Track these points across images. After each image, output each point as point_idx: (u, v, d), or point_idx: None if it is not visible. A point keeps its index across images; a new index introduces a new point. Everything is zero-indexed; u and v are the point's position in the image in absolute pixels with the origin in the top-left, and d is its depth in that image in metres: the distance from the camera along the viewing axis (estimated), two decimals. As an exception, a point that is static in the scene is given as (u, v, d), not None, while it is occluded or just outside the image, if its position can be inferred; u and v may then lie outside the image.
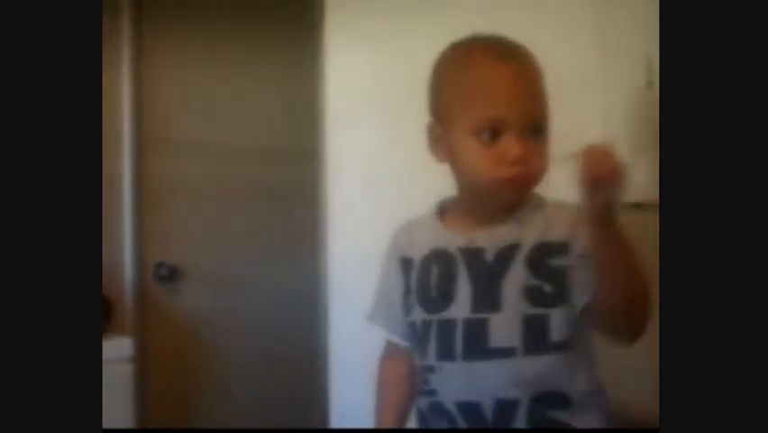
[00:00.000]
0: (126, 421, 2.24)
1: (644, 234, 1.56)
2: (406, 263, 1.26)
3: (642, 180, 1.58)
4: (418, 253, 1.24)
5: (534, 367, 1.11)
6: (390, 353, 1.34)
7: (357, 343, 1.99)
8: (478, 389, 1.13)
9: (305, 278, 2.51)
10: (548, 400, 1.11)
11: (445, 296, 1.18)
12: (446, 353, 1.16)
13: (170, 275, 2.58)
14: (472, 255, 1.16)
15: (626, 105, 1.64)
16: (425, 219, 1.28)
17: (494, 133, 1.12)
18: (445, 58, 1.22)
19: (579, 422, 1.12)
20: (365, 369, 1.97)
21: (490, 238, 1.16)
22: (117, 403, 2.19)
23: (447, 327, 1.16)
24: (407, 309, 1.24)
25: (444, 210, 1.27)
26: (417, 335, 1.22)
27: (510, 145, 1.11)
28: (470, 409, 1.14)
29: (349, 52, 2.00)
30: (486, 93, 1.13)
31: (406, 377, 1.29)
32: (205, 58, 2.64)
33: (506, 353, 1.11)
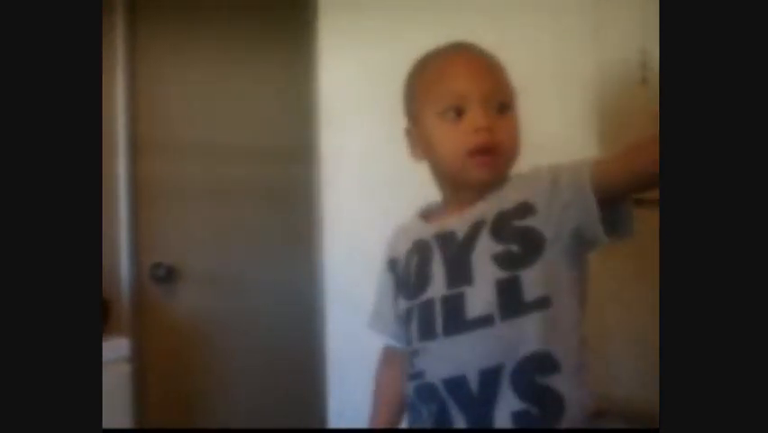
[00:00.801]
0: (124, 422, 2.24)
1: (642, 229, 1.56)
2: (393, 264, 1.32)
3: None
4: (403, 250, 1.29)
5: (513, 329, 1.12)
6: (387, 357, 1.39)
7: (354, 342, 1.99)
8: (461, 362, 1.15)
9: (302, 278, 2.51)
10: (533, 362, 1.12)
11: (422, 280, 1.22)
12: (428, 332, 1.19)
13: (167, 276, 2.58)
14: (444, 239, 1.21)
15: (621, 102, 1.64)
16: (410, 221, 1.34)
17: (458, 110, 1.19)
18: (414, 65, 1.31)
19: (567, 385, 1.13)
20: (362, 368, 1.98)
21: (460, 220, 1.20)
22: (115, 404, 2.19)
23: (426, 307, 1.20)
24: (396, 305, 1.29)
25: (427, 211, 1.34)
26: (402, 324, 1.26)
27: (474, 116, 1.17)
28: (455, 383, 1.15)
29: (343, 52, 2.00)
30: (447, 73, 1.22)
31: (400, 380, 1.31)
32: (200, 58, 2.63)
33: (484, 321, 1.14)
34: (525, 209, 1.16)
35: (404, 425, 1.33)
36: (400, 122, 1.91)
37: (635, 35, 1.58)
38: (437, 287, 1.19)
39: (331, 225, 2.06)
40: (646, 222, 1.53)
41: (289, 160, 2.60)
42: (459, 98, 1.19)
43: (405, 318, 1.25)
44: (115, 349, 2.23)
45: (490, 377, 1.12)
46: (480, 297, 1.14)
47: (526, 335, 1.12)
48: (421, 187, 1.84)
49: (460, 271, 1.17)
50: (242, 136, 2.67)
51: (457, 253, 1.18)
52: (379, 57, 1.92)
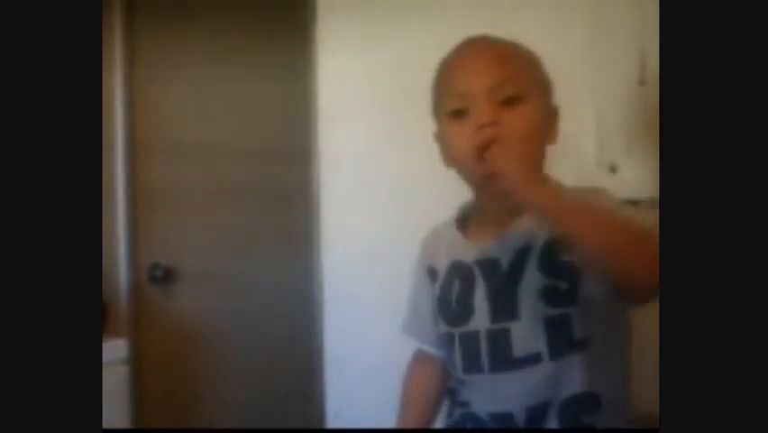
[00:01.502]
0: (122, 423, 2.23)
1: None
2: (432, 274, 1.26)
3: (635, 177, 1.59)
4: (442, 264, 1.24)
5: (562, 369, 1.10)
6: (420, 360, 1.33)
7: (352, 343, 2.00)
8: (508, 399, 1.13)
9: (300, 279, 2.51)
10: (578, 402, 1.10)
11: (465, 309, 1.17)
12: (473, 365, 1.16)
13: (165, 276, 2.58)
14: (488, 267, 1.16)
15: (620, 103, 1.64)
16: (447, 228, 1.27)
17: (463, 109, 1.13)
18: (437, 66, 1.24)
19: (607, 421, 1.11)
20: (360, 369, 1.98)
21: (503, 245, 1.15)
22: (112, 405, 2.18)
23: (470, 339, 1.16)
24: (436, 320, 1.25)
25: (464, 217, 1.27)
26: (444, 346, 1.23)
27: (477, 112, 1.11)
28: (502, 419, 1.13)
29: (342, 52, 2.00)
30: (452, 73, 1.17)
31: (433, 386, 1.29)
32: (198, 59, 2.63)
33: (532, 360, 1.11)
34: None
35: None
36: (399, 122, 1.92)
37: (633, 36, 1.59)
38: (481, 319, 1.15)
39: (329, 226, 2.06)
40: (642, 222, 1.53)
41: (288, 161, 2.60)
42: (463, 98, 1.13)
43: (447, 342, 1.22)
44: (113, 350, 2.23)
45: (537, 413, 1.11)
46: (528, 334, 1.11)
47: (573, 374, 1.10)
48: (421, 187, 1.85)
49: (505, 305, 1.13)
50: (240, 138, 2.66)
51: (502, 285, 1.14)
52: (377, 58, 1.92)
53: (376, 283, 1.95)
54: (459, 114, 1.13)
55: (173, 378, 2.60)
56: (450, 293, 1.21)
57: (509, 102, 1.11)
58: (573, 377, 1.10)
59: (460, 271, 1.20)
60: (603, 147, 1.64)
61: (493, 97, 1.10)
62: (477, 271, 1.17)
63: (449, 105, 1.15)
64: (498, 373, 1.13)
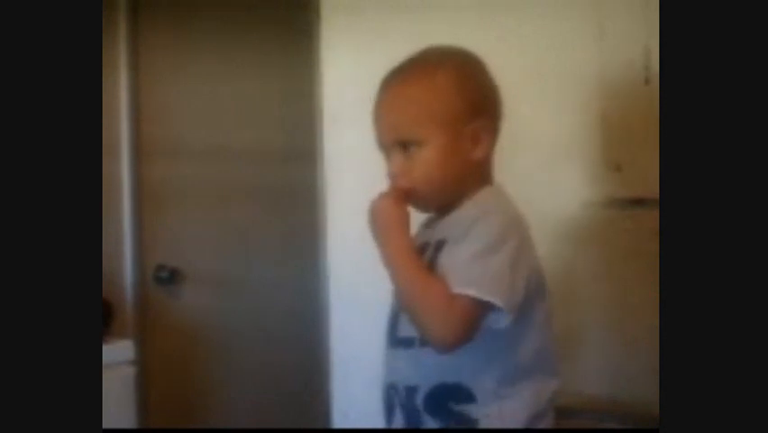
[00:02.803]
0: (128, 424, 2.24)
1: (642, 229, 1.56)
2: None
3: (640, 176, 1.59)
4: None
5: (430, 358, 1.16)
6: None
7: (358, 343, 2.00)
8: (393, 373, 1.24)
9: (305, 278, 2.51)
10: (447, 390, 1.16)
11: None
12: (386, 338, 1.28)
13: (171, 277, 2.58)
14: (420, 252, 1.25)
15: (624, 102, 1.64)
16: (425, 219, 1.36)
17: (384, 150, 1.25)
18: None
19: (483, 412, 1.15)
20: (367, 369, 1.98)
21: (417, 237, 1.26)
22: (119, 406, 2.18)
23: (390, 316, 1.28)
24: None
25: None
26: None
27: (389, 163, 1.24)
28: (392, 389, 1.24)
29: (345, 52, 2.00)
30: (373, 117, 1.27)
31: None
32: (202, 60, 2.63)
33: (407, 342, 1.21)
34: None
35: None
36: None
37: (638, 36, 1.59)
38: (394, 301, 1.27)
39: (334, 226, 2.06)
40: (646, 222, 1.53)
41: (292, 161, 2.60)
42: (380, 142, 1.26)
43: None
44: (119, 352, 2.23)
45: (411, 395, 1.19)
46: (407, 318, 1.19)
47: (439, 363, 1.16)
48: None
49: None
50: (244, 138, 2.67)
51: None
52: (381, 57, 1.92)
53: (381, 282, 1.95)
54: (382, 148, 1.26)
55: (179, 379, 2.60)
56: None
57: (406, 148, 1.21)
58: (440, 367, 1.16)
59: None
60: (608, 146, 1.64)
61: (395, 146, 1.22)
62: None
63: (377, 141, 1.26)
64: (390, 349, 1.26)
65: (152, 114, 2.58)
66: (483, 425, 1.15)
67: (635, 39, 1.59)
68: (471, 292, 1.08)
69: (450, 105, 1.21)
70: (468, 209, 1.21)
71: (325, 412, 2.09)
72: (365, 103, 1.99)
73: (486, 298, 1.08)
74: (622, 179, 1.62)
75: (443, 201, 1.24)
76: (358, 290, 2.00)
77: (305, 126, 2.35)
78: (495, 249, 1.12)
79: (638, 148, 1.60)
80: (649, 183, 1.55)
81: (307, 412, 2.47)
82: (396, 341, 1.24)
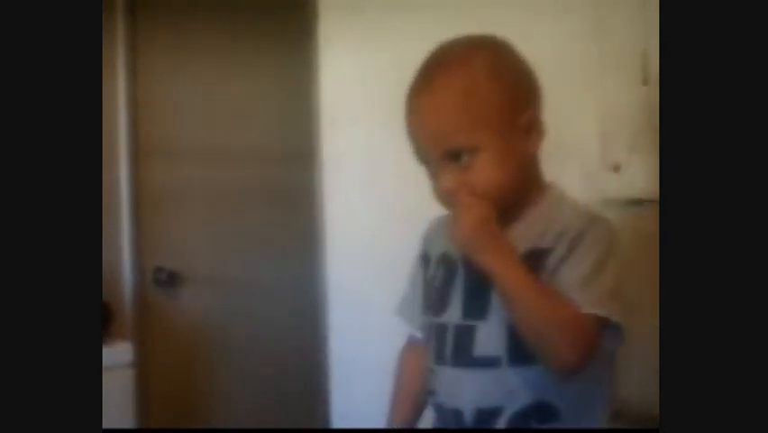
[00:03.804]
0: (128, 426, 2.23)
1: (641, 229, 1.56)
2: (425, 260, 1.26)
3: (639, 177, 1.59)
4: (435, 252, 1.23)
5: (519, 378, 1.08)
6: (409, 349, 1.31)
7: (358, 344, 2.00)
8: (461, 396, 1.13)
9: (305, 280, 2.51)
10: (535, 410, 1.09)
11: (442, 302, 1.17)
12: (439, 357, 1.16)
13: (170, 280, 2.58)
14: (470, 263, 1.13)
15: (623, 103, 1.64)
16: (447, 219, 1.23)
17: (429, 165, 1.12)
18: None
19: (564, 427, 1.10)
20: (366, 370, 1.98)
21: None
22: (119, 409, 2.18)
23: (441, 330, 1.16)
24: (423, 308, 1.25)
25: None
26: (425, 333, 1.23)
27: (440, 179, 1.10)
28: (454, 415, 1.13)
29: (344, 52, 2.00)
30: (409, 131, 1.13)
31: (422, 369, 1.25)
32: (201, 61, 2.63)
33: (490, 362, 1.10)
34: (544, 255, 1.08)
35: (422, 423, 1.31)
36: (402, 123, 1.92)
37: (636, 37, 1.59)
38: (454, 313, 1.15)
39: (334, 227, 2.06)
40: (646, 222, 1.53)
41: (292, 162, 2.60)
42: (424, 157, 1.12)
43: (427, 330, 1.22)
44: (119, 354, 2.23)
45: (486, 417, 1.10)
46: (492, 335, 1.10)
47: (529, 384, 1.08)
48: (425, 187, 1.84)
49: (476, 303, 1.12)
50: (243, 139, 2.67)
51: (478, 284, 1.11)
52: (380, 58, 1.92)
53: (380, 283, 1.95)
54: (423, 161, 1.13)
55: (178, 381, 2.60)
56: (434, 282, 1.21)
57: (457, 158, 1.08)
58: (529, 387, 1.08)
59: (446, 263, 1.20)
60: (607, 147, 1.64)
61: (445, 158, 1.08)
62: (460, 266, 1.16)
63: (417, 156, 1.13)
64: (457, 369, 1.13)
65: (151, 115, 2.58)
66: None
67: (634, 39, 1.59)
68: (600, 312, 1.00)
69: (493, 102, 1.09)
70: (553, 214, 1.11)
71: (325, 412, 2.09)
72: (364, 103, 2.00)
73: (613, 318, 1.01)
74: (621, 180, 1.63)
75: (507, 205, 1.10)
76: (357, 291, 2.00)
77: (304, 127, 2.35)
78: (605, 266, 1.04)
79: (637, 149, 1.60)
80: (648, 184, 1.56)
81: (307, 412, 2.48)
82: (470, 361, 1.11)
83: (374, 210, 1.96)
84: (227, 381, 2.65)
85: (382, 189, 1.95)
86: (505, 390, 1.09)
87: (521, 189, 1.12)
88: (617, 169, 1.64)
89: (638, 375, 1.48)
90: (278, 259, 2.70)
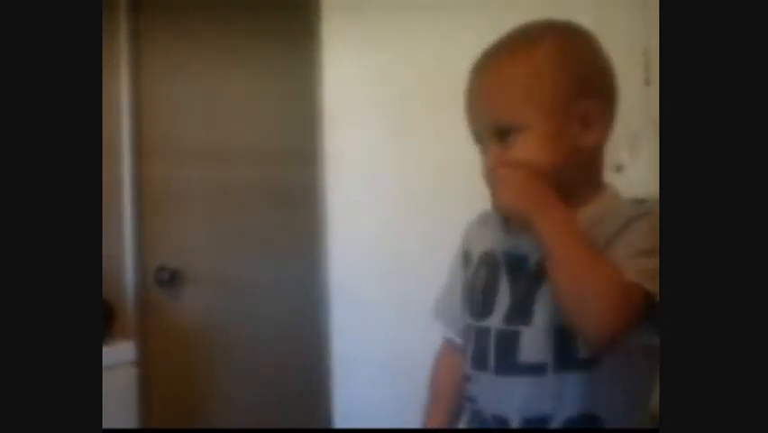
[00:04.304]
0: (130, 424, 2.24)
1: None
2: (467, 259, 1.21)
3: (641, 176, 1.59)
4: (477, 250, 1.18)
5: (565, 385, 1.04)
6: (447, 352, 1.26)
7: (359, 343, 2.00)
8: (507, 403, 1.08)
9: (306, 279, 2.51)
10: (579, 423, 1.04)
11: (485, 303, 1.13)
12: (480, 363, 1.11)
13: (172, 279, 2.58)
14: (515, 262, 1.10)
15: (625, 103, 1.64)
16: (491, 215, 1.19)
17: (479, 141, 1.09)
18: None
19: None
20: (367, 370, 1.98)
21: (534, 244, 1.06)
22: (121, 407, 2.19)
23: (482, 335, 1.12)
24: (463, 309, 1.20)
25: None
26: (464, 337, 1.19)
27: (486, 151, 1.08)
28: (501, 423, 1.09)
29: (346, 53, 2.00)
30: (467, 98, 1.11)
31: (458, 377, 1.20)
32: (204, 60, 2.63)
33: (536, 369, 1.06)
34: None
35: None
36: (404, 122, 1.92)
37: (637, 37, 1.59)
38: (497, 318, 1.10)
39: (336, 227, 2.06)
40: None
41: (293, 162, 2.60)
42: (474, 132, 1.09)
43: (466, 333, 1.17)
44: (121, 353, 2.23)
45: (534, 426, 1.06)
46: (538, 341, 1.05)
47: (575, 392, 1.04)
48: (427, 186, 1.85)
49: (522, 307, 1.08)
50: (245, 139, 2.67)
51: (525, 286, 1.08)
52: (382, 58, 1.93)
53: (382, 283, 1.95)
54: (475, 137, 1.10)
55: (181, 380, 2.60)
56: (475, 283, 1.15)
57: (504, 136, 1.06)
58: (576, 396, 1.04)
59: (488, 262, 1.14)
60: (608, 147, 1.64)
61: (493, 136, 1.07)
62: (504, 266, 1.12)
63: (469, 126, 1.11)
64: (501, 376, 1.09)
65: (153, 114, 2.58)
66: None
67: (634, 39, 1.59)
68: (647, 285, 0.93)
69: (552, 83, 1.05)
70: (605, 216, 1.06)
71: (326, 412, 2.09)
72: (365, 103, 2.00)
73: (657, 297, 0.93)
74: (622, 180, 1.63)
75: (520, 221, 1.05)
76: (358, 290, 2.00)
77: (305, 126, 2.36)
78: (656, 251, 0.95)
79: (639, 149, 1.60)
80: (650, 184, 1.56)
81: (308, 412, 2.48)
82: (515, 368, 1.07)
83: (375, 210, 1.96)
84: (228, 380, 2.65)
85: (383, 189, 1.95)
86: (551, 398, 1.05)
87: (571, 181, 1.05)
88: (619, 169, 1.63)
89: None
90: (280, 258, 2.70)
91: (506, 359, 1.08)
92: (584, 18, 1.65)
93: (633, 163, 1.61)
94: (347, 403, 2.03)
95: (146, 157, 2.56)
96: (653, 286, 0.93)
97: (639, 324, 0.95)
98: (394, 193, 1.92)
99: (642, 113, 1.60)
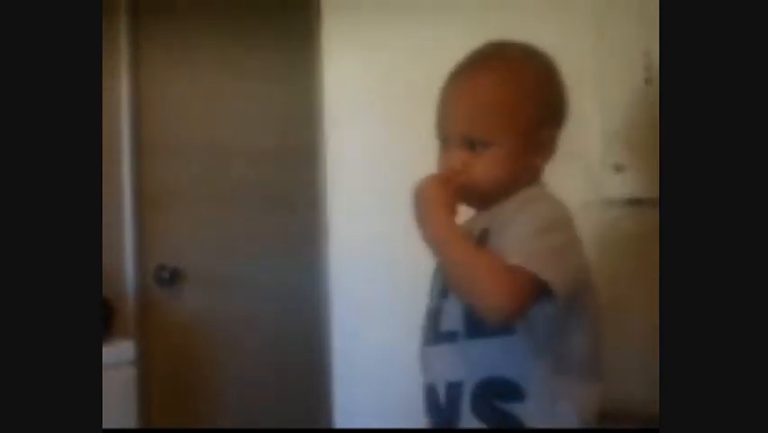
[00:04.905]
0: (129, 424, 2.24)
1: (642, 228, 1.56)
2: None
3: (641, 176, 1.59)
4: None
5: (476, 350, 1.14)
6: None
7: (359, 343, 2.00)
8: (434, 371, 1.21)
9: (306, 279, 2.51)
10: (494, 386, 1.13)
11: (434, 286, 1.27)
12: (423, 337, 1.25)
13: (172, 278, 2.58)
14: None
15: (624, 103, 1.64)
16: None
17: (445, 142, 1.22)
18: None
19: (532, 414, 1.11)
20: (368, 369, 1.98)
21: (466, 226, 1.22)
22: (120, 407, 2.19)
23: (428, 313, 1.26)
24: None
25: None
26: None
27: (449, 155, 1.20)
28: (429, 389, 1.21)
29: (346, 52, 2.00)
30: (440, 106, 1.23)
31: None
32: (204, 60, 2.63)
33: (450, 337, 1.18)
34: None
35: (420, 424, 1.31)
36: (404, 123, 1.92)
37: (638, 36, 1.59)
38: (434, 297, 1.26)
39: (335, 227, 2.06)
40: (647, 223, 1.53)
41: (294, 161, 2.60)
42: (442, 133, 1.22)
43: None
44: (120, 352, 2.23)
45: (454, 390, 1.16)
46: (452, 312, 1.17)
47: (489, 357, 1.14)
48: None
49: (442, 284, 1.22)
50: (246, 138, 2.67)
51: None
52: (383, 58, 1.93)
53: (382, 283, 1.95)
54: (440, 142, 1.23)
55: (180, 379, 2.60)
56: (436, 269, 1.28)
57: (473, 147, 1.18)
58: (485, 360, 1.14)
59: None
60: (608, 146, 1.64)
61: (462, 142, 1.18)
62: None
63: (436, 131, 1.23)
64: (429, 346, 1.23)
65: (154, 114, 2.58)
66: (532, 426, 1.11)
67: (634, 39, 1.59)
68: (529, 267, 1.04)
69: (533, 110, 1.19)
70: (512, 202, 1.18)
71: (327, 412, 2.09)
72: (366, 103, 2.00)
73: (542, 276, 1.04)
74: (622, 180, 1.63)
75: (494, 199, 1.20)
76: (358, 290, 2.00)
77: (305, 126, 2.36)
78: (549, 232, 1.10)
79: (638, 148, 1.60)
80: (650, 183, 1.56)
81: (308, 412, 2.48)
82: (437, 336, 1.20)
83: (375, 209, 1.96)
84: (228, 379, 2.66)
85: (384, 189, 1.95)
86: (464, 363, 1.16)
87: (512, 187, 1.19)
88: (618, 169, 1.63)
89: (638, 375, 1.48)
90: (280, 258, 2.70)
91: (433, 330, 1.22)
92: (584, 18, 1.65)
93: (633, 163, 1.61)
94: (347, 403, 2.03)
95: (146, 156, 2.56)
96: (536, 266, 1.05)
97: (531, 300, 1.06)
98: (394, 193, 1.92)
99: (642, 112, 1.60)
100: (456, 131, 1.19)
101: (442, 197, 1.15)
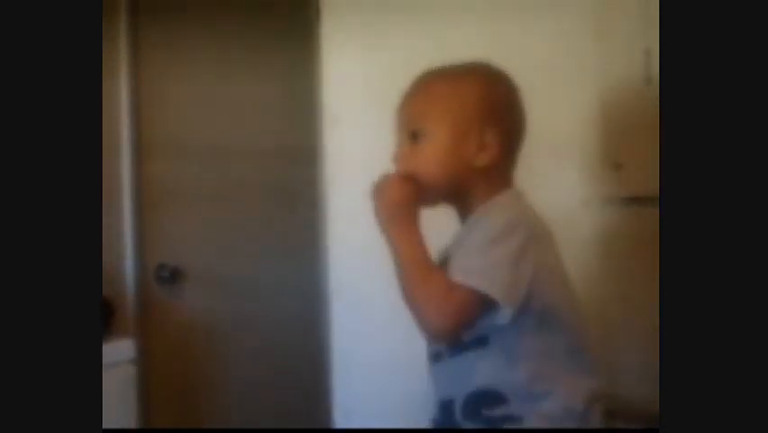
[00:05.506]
0: (129, 423, 2.24)
1: (641, 226, 1.57)
2: None
3: (640, 175, 1.59)
4: None
5: (459, 367, 1.18)
6: None
7: (360, 342, 2.00)
8: (432, 390, 1.26)
9: (306, 278, 2.51)
10: (480, 397, 1.17)
11: None
12: (426, 355, 1.29)
13: (172, 277, 2.58)
14: (439, 257, 1.26)
15: (625, 101, 1.64)
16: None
17: (398, 137, 1.29)
18: None
19: (518, 415, 1.15)
20: (367, 369, 1.98)
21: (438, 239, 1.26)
22: (120, 405, 2.19)
23: None
24: None
25: None
26: None
27: (398, 148, 1.28)
28: (436, 406, 1.25)
29: (346, 51, 2.00)
30: (397, 112, 1.31)
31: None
32: (204, 59, 2.63)
33: (437, 356, 1.23)
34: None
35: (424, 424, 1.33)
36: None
37: (638, 36, 1.59)
38: None
39: (335, 226, 2.06)
40: (646, 221, 1.54)
41: (293, 160, 2.60)
42: (397, 131, 1.29)
43: None
44: (120, 351, 2.23)
45: (446, 407, 1.22)
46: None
47: (470, 371, 1.17)
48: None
49: None
50: (245, 137, 2.67)
51: None
52: (382, 57, 1.93)
53: (382, 283, 1.95)
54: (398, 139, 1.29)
55: (180, 378, 2.60)
56: None
57: (413, 137, 1.25)
58: (470, 375, 1.18)
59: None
60: (608, 145, 1.64)
61: (403, 131, 1.27)
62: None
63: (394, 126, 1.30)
64: (430, 365, 1.27)
65: (153, 113, 2.58)
66: (522, 425, 1.15)
67: (635, 39, 1.59)
68: (470, 283, 1.09)
69: (465, 108, 1.23)
70: (476, 213, 1.22)
71: (326, 412, 2.09)
72: (366, 102, 2.00)
73: (484, 290, 1.08)
74: (622, 178, 1.63)
75: (447, 198, 1.26)
76: (358, 290, 2.00)
77: (305, 126, 2.36)
78: (496, 243, 1.12)
79: (638, 147, 1.60)
80: (649, 182, 1.56)
81: (308, 412, 2.48)
82: (430, 356, 1.26)
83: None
84: (229, 378, 2.66)
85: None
86: (452, 381, 1.21)
87: (462, 189, 1.23)
88: (618, 167, 1.64)
89: (638, 375, 1.48)
90: (280, 257, 2.70)
91: (428, 350, 1.27)
92: (585, 17, 1.65)
93: (632, 162, 1.62)
94: (347, 403, 2.03)
95: (146, 155, 2.56)
96: (476, 280, 1.08)
97: (473, 315, 1.11)
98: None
99: (641, 112, 1.60)
100: (401, 123, 1.28)
101: (400, 194, 1.22)
